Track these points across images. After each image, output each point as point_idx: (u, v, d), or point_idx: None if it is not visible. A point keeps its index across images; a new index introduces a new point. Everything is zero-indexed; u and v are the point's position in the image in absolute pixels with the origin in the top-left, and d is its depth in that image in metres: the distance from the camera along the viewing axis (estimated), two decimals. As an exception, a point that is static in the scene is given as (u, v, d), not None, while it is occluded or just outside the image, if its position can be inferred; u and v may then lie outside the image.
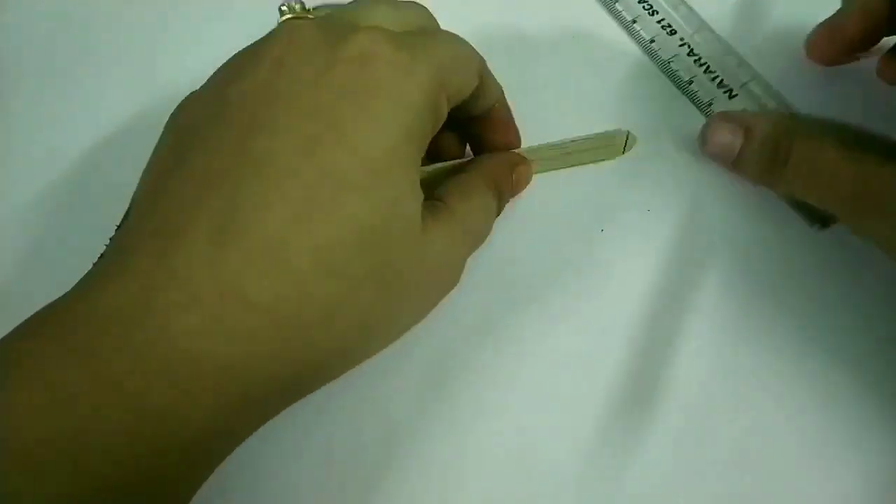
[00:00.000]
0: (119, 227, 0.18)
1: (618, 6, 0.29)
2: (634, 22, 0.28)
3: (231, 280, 0.15)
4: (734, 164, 0.24)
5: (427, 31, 0.20)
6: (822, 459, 0.22)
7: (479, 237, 0.22)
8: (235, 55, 0.19)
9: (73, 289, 0.16)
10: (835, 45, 0.26)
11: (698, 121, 0.26)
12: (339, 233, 0.16)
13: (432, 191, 0.21)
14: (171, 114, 0.19)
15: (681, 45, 0.28)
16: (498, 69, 0.22)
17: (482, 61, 0.21)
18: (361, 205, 0.16)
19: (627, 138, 0.26)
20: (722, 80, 0.27)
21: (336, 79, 0.17)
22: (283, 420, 0.18)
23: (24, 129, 0.27)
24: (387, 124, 0.17)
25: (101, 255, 0.18)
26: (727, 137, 0.24)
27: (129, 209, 0.18)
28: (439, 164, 0.23)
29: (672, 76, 0.27)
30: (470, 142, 0.25)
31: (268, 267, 0.16)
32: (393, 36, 0.18)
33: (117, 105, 0.27)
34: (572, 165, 0.26)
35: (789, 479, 0.22)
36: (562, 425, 0.22)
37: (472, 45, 0.21)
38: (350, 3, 0.20)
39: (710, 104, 0.26)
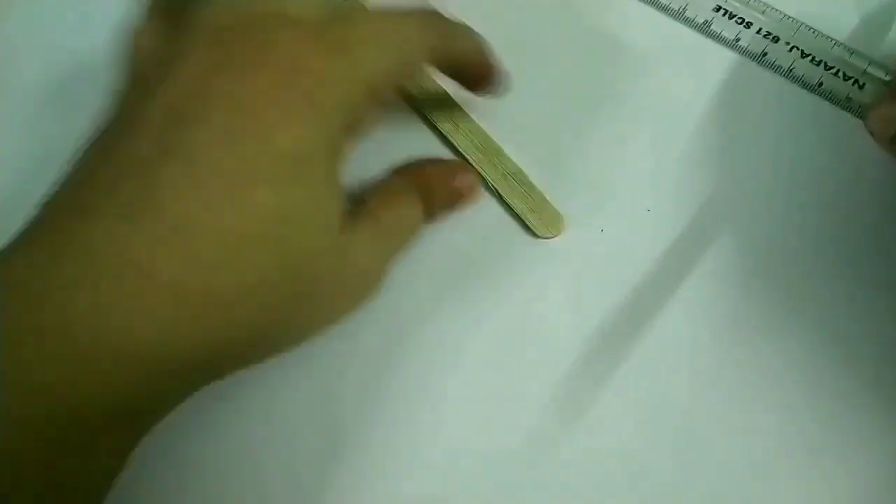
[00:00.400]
0: (40, 206, 0.18)
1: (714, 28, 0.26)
2: (738, 40, 0.26)
3: (136, 257, 0.16)
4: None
5: (355, 16, 0.19)
6: (821, 461, 0.22)
7: (401, 244, 0.22)
8: (177, 30, 0.18)
9: None
10: None
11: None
12: (246, 223, 0.16)
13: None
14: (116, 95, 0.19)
15: (790, 50, 0.25)
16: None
17: (424, 37, 0.19)
18: (271, 198, 0.17)
19: (561, 222, 0.24)
20: (844, 73, 0.25)
21: (260, 81, 0.17)
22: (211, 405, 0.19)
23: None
24: (305, 127, 0.17)
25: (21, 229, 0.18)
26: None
27: (56, 184, 0.18)
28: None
29: (801, 82, 0.25)
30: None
31: (174, 248, 0.16)
32: (317, 35, 0.18)
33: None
34: (499, 193, 0.24)
35: (788, 479, 0.22)
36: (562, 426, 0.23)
37: (415, 19, 0.20)
38: None
39: (849, 98, 0.24)
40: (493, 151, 0.25)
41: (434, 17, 0.21)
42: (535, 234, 0.24)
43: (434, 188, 0.23)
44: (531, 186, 0.24)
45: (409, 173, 0.23)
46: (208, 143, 0.16)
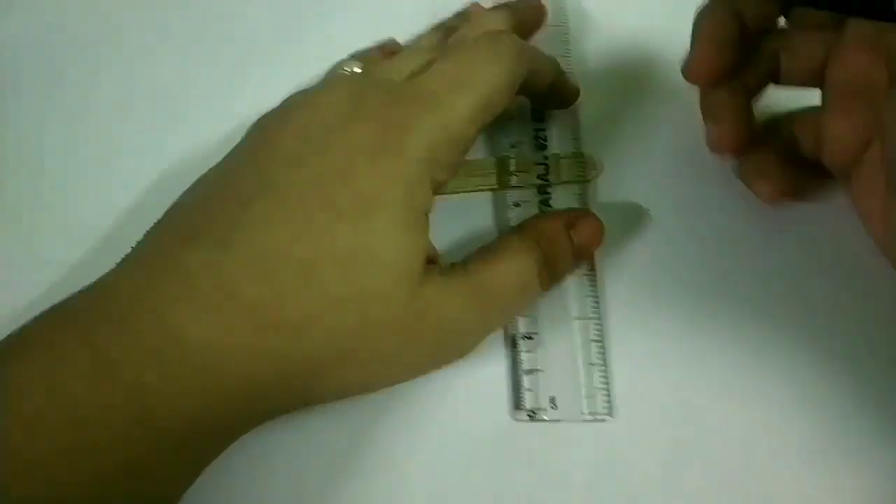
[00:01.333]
0: (149, 231, 0.20)
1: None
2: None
3: (226, 280, 0.17)
4: None
5: (439, 67, 0.21)
6: (820, 462, 0.21)
7: (504, 305, 0.21)
8: (296, 93, 0.21)
9: (97, 281, 0.18)
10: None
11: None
12: (324, 254, 0.18)
13: None
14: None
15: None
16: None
17: (506, 75, 0.21)
18: (349, 234, 0.18)
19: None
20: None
21: (354, 132, 0.19)
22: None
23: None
24: (387, 173, 0.19)
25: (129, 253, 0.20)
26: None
27: (166, 212, 0.20)
28: None
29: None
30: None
31: (259, 274, 0.17)
32: (404, 91, 0.20)
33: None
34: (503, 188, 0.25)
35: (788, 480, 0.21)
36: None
37: (497, 56, 0.21)
38: (390, 58, 0.24)
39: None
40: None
41: (513, 49, 0.21)
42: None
43: (554, 244, 0.22)
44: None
45: (521, 231, 0.22)
46: (300, 183, 0.18)
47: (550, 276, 0.21)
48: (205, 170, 0.20)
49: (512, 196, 0.25)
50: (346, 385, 0.20)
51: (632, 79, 0.28)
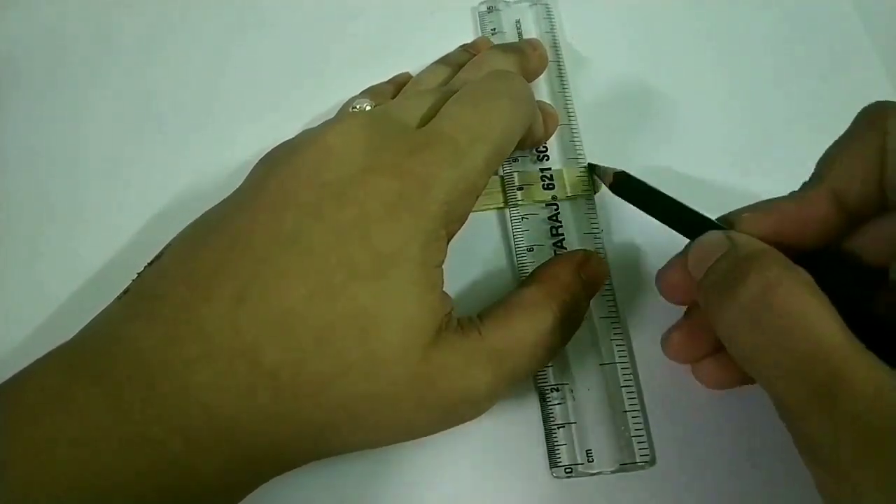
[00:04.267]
0: (150, 264, 0.19)
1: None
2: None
3: (245, 341, 0.17)
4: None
5: (452, 111, 0.20)
6: None
7: (521, 364, 0.20)
8: (305, 132, 0.20)
9: (102, 323, 0.18)
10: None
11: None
12: (340, 315, 0.17)
13: None
14: (255, 166, 0.20)
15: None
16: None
17: (516, 122, 0.20)
18: (365, 294, 0.17)
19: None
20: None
21: (371, 183, 0.18)
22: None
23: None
24: (403, 227, 0.18)
25: (126, 289, 0.19)
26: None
27: (164, 251, 0.19)
28: None
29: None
30: None
31: (277, 336, 0.17)
32: (419, 140, 0.19)
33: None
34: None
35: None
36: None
37: (508, 102, 0.20)
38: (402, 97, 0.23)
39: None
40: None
41: (528, 96, 0.21)
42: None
43: (566, 288, 0.21)
44: None
45: (536, 282, 0.21)
46: (318, 238, 0.18)
47: (570, 326, 0.21)
48: (205, 186, 0.20)
49: (517, 211, 0.24)
50: (356, 442, 0.19)
51: (627, 100, 0.27)
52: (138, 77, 0.28)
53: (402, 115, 0.20)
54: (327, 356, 0.17)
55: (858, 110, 0.19)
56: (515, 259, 0.24)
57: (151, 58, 0.29)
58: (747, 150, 0.26)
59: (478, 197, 0.20)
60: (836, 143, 0.19)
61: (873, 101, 0.19)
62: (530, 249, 0.24)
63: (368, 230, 0.18)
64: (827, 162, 0.19)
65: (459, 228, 0.20)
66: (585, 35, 0.28)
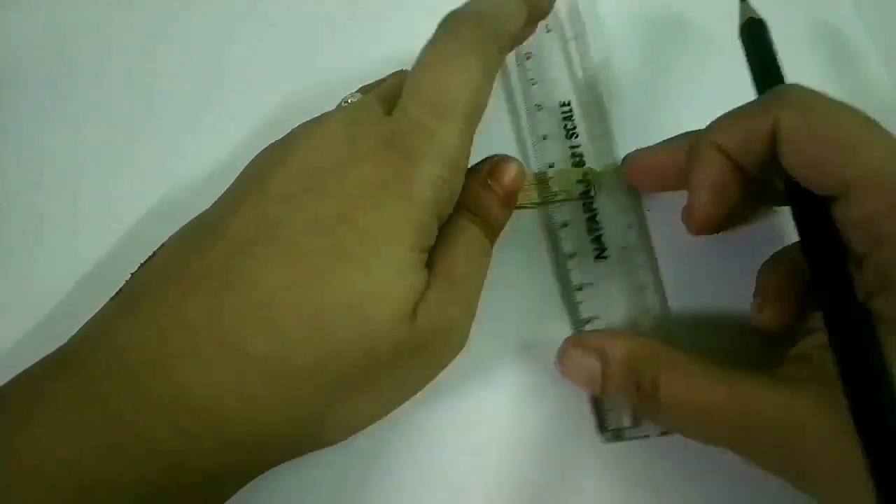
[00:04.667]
0: (142, 265, 0.19)
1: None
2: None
3: (231, 332, 0.17)
4: (603, 393, 0.22)
5: (436, 106, 0.20)
6: None
7: (478, 289, 0.21)
8: (296, 128, 0.21)
9: (93, 324, 0.18)
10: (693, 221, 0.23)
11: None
12: (328, 299, 0.17)
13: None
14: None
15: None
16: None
17: (477, 82, 0.20)
18: (353, 274, 0.18)
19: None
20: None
21: (354, 173, 0.19)
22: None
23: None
24: (394, 213, 0.18)
25: (119, 290, 0.19)
26: (583, 363, 0.22)
27: (157, 251, 0.19)
28: None
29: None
30: None
31: (263, 324, 0.17)
32: (403, 136, 0.19)
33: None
34: (546, 202, 0.26)
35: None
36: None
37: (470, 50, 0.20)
38: (383, 88, 0.22)
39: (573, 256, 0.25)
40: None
41: (477, 37, 0.20)
42: None
43: (479, 199, 0.22)
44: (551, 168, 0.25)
45: (458, 205, 0.22)
46: (299, 226, 0.18)
47: (493, 233, 0.22)
48: (203, 187, 0.20)
49: (557, 215, 0.25)
50: (356, 421, 0.20)
51: (659, 76, 0.28)
52: (137, 77, 0.28)
53: (379, 104, 0.21)
54: (318, 340, 0.17)
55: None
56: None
57: (150, 58, 0.29)
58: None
59: (466, 166, 0.20)
60: (738, 108, 0.21)
61: (874, 101, 0.21)
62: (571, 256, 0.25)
63: (355, 217, 0.18)
64: (721, 119, 0.21)
65: (451, 208, 0.20)
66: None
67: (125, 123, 0.28)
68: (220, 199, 0.20)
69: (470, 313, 0.21)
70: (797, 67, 0.27)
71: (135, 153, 0.27)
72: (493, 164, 0.23)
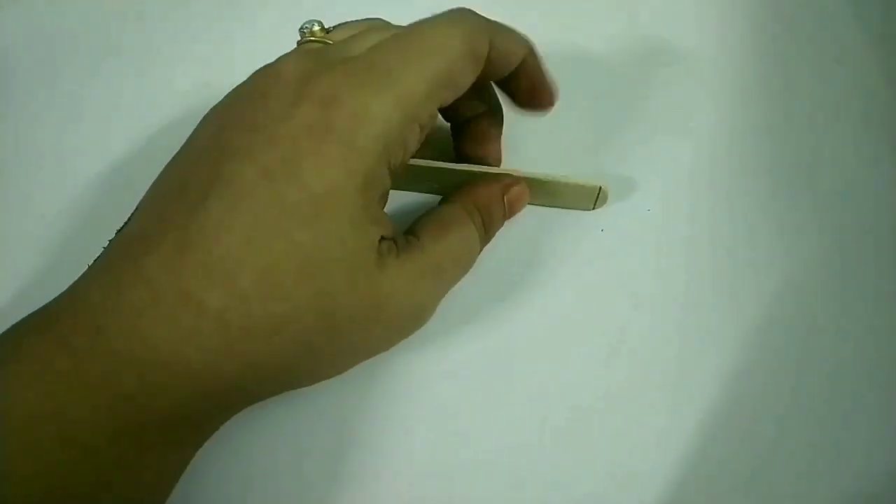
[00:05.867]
0: (119, 231, 0.20)
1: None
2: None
3: (188, 285, 0.17)
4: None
5: (388, 43, 0.19)
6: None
7: (455, 274, 0.22)
8: (253, 73, 0.20)
9: (75, 282, 0.19)
10: None
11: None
12: (281, 259, 0.17)
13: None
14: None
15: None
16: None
17: (464, 42, 0.19)
18: (303, 236, 0.18)
19: (599, 193, 0.25)
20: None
21: (299, 117, 0.18)
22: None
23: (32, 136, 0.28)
24: (337, 165, 0.18)
25: (103, 249, 0.20)
26: None
27: (131, 216, 0.20)
28: (432, 163, 0.23)
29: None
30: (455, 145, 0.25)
31: (219, 280, 0.17)
32: (351, 70, 0.18)
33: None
34: (543, 205, 0.26)
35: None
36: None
37: (450, 23, 0.19)
38: (343, 30, 0.21)
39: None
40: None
41: (471, 18, 0.20)
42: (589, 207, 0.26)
43: (491, 209, 0.23)
44: (551, 180, 0.25)
45: (462, 198, 0.23)
46: (249, 179, 0.18)
47: (487, 239, 0.23)
48: None
49: None
50: (315, 375, 0.20)
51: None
52: (136, 77, 0.28)
53: (343, 48, 0.20)
54: (275, 298, 0.17)
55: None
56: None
57: (149, 58, 0.29)
58: (746, 148, 0.27)
59: (428, 127, 0.19)
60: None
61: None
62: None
63: (300, 167, 0.17)
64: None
65: (409, 158, 0.20)
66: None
67: (125, 123, 0.28)
68: (176, 156, 0.20)
69: (439, 299, 0.21)
70: (796, 67, 0.29)
71: (135, 153, 0.27)
72: (511, 182, 0.24)
